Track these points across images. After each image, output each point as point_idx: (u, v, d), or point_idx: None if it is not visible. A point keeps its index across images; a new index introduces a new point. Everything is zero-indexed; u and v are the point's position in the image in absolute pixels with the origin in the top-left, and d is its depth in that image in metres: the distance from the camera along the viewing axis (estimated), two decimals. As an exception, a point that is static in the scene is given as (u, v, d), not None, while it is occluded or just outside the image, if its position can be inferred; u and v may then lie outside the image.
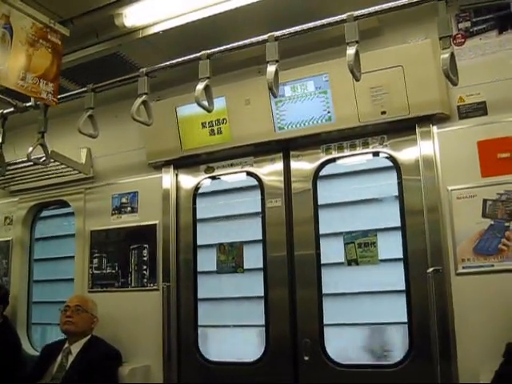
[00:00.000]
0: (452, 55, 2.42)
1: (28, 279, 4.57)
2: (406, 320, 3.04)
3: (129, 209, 4.00)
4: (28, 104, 3.52)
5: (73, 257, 4.22)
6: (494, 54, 2.95)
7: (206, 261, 3.74)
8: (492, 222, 2.81)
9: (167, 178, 3.88)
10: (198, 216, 3.83)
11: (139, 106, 3.02)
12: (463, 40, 3.01)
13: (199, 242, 3.80)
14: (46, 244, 4.84)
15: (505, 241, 2.77)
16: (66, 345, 3.55)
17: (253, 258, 3.58)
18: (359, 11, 2.59)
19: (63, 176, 4.23)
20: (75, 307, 3.60)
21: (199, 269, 3.77)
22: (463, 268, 2.85)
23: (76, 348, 3.52)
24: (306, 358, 3.24)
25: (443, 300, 2.86)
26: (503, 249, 2.76)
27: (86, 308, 3.63)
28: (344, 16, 2.59)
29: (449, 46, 2.41)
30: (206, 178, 3.85)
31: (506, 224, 2.78)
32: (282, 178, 3.53)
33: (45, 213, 4.76)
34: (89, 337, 3.59)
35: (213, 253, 3.71)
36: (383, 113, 3.11)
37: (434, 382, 2.78)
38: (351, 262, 3.24)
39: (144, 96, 3.05)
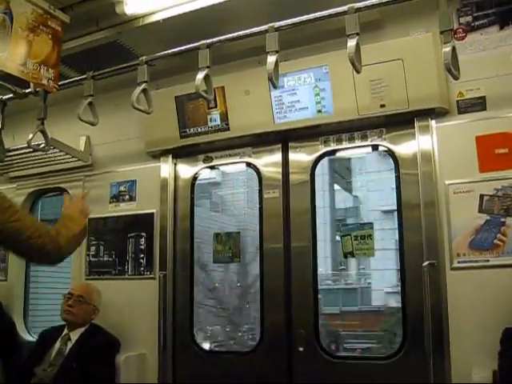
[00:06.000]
0: (453, 49, 2.42)
1: (25, 266, 4.56)
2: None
3: (127, 197, 3.99)
4: (27, 90, 3.51)
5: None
6: (494, 49, 2.94)
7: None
8: (488, 218, 2.81)
9: (165, 167, 3.87)
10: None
11: (139, 94, 3.03)
12: (464, 34, 3.00)
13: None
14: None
15: (500, 236, 2.77)
16: (66, 331, 3.55)
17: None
18: (360, 3, 2.59)
19: (62, 163, 4.21)
20: (77, 297, 3.58)
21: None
22: (458, 262, 2.86)
23: (75, 335, 3.52)
24: (301, 349, 3.25)
25: (438, 294, 2.87)
26: (499, 244, 2.77)
27: (89, 300, 3.61)
28: (345, 8, 2.60)
29: (450, 40, 2.42)
30: (204, 168, 3.85)
31: (502, 219, 2.78)
32: (280, 170, 3.52)
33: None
34: (88, 325, 3.59)
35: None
36: (382, 106, 3.10)
37: (426, 375, 2.81)
38: (347, 254, 3.26)
39: (144, 84, 3.06)
